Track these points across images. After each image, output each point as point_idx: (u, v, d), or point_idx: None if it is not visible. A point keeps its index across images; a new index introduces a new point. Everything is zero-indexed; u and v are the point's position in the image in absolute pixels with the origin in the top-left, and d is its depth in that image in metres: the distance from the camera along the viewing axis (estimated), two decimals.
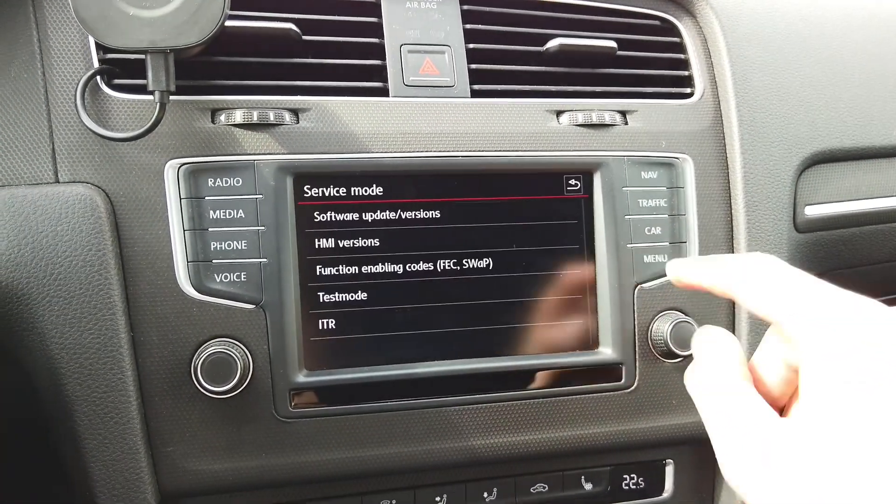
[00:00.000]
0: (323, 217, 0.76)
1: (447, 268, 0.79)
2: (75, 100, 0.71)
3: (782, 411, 0.53)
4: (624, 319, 0.83)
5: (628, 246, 0.83)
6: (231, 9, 0.69)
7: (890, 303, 0.47)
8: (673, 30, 0.95)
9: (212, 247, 0.73)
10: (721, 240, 0.87)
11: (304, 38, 0.79)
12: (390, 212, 0.78)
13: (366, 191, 0.78)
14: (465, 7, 0.86)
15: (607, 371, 0.83)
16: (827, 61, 0.99)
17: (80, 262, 0.69)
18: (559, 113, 0.85)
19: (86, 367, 0.70)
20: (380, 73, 0.82)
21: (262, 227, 0.74)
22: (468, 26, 0.85)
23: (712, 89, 0.92)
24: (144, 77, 0.70)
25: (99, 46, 0.74)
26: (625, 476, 0.89)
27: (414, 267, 0.79)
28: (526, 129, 0.83)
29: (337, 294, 0.76)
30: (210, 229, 0.73)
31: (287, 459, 0.75)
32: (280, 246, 0.74)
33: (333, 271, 0.76)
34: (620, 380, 0.83)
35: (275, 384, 0.74)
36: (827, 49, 1.00)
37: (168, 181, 0.73)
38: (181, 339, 0.72)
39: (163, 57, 0.69)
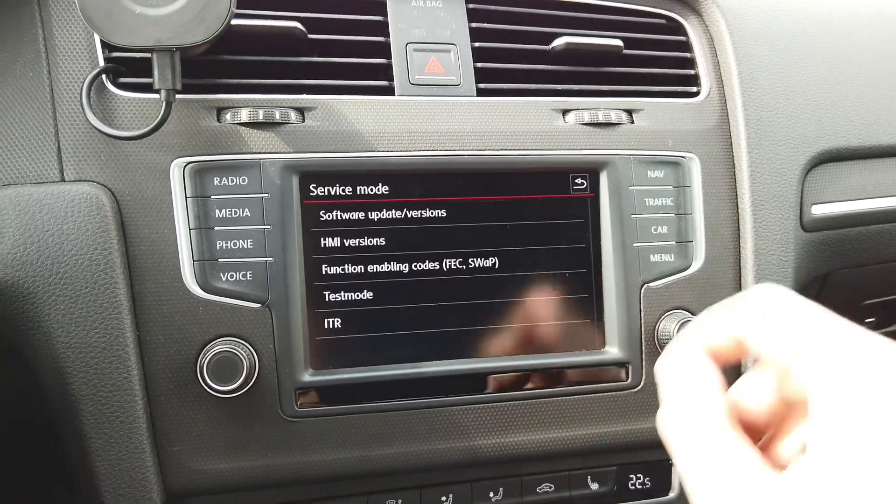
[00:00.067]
0: (329, 216, 0.76)
1: (453, 267, 0.79)
2: (81, 98, 0.71)
3: (765, 445, 0.46)
4: (630, 319, 0.82)
5: (635, 245, 0.83)
6: (237, 7, 0.69)
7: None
8: (679, 28, 0.94)
9: (218, 246, 0.73)
10: (727, 239, 0.87)
11: (310, 36, 0.79)
12: (396, 211, 0.78)
13: (371, 190, 0.78)
14: (471, 6, 0.86)
15: (613, 370, 0.83)
16: (833, 60, 0.99)
17: (85, 260, 0.69)
18: (565, 112, 0.84)
19: (91, 366, 0.70)
20: (385, 72, 0.82)
21: (268, 226, 0.74)
22: (474, 25, 0.85)
23: (718, 88, 0.91)
24: (150, 76, 0.70)
25: (105, 45, 0.74)
26: (631, 476, 0.89)
27: (420, 266, 0.78)
28: (532, 127, 0.82)
29: (343, 293, 0.76)
30: (216, 228, 0.73)
31: (293, 459, 0.75)
32: (286, 245, 0.74)
33: (339, 270, 0.76)
34: (627, 379, 0.83)
35: (280, 383, 0.73)
36: (833, 47, 0.99)
37: (174, 180, 0.72)
38: (187, 338, 0.72)
39: (169, 55, 0.69)
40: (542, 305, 0.81)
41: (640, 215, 0.84)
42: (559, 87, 0.86)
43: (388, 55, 0.82)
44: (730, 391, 0.46)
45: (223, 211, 0.73)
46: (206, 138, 0.74)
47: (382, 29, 0.83)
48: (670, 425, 0.45)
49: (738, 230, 0.88)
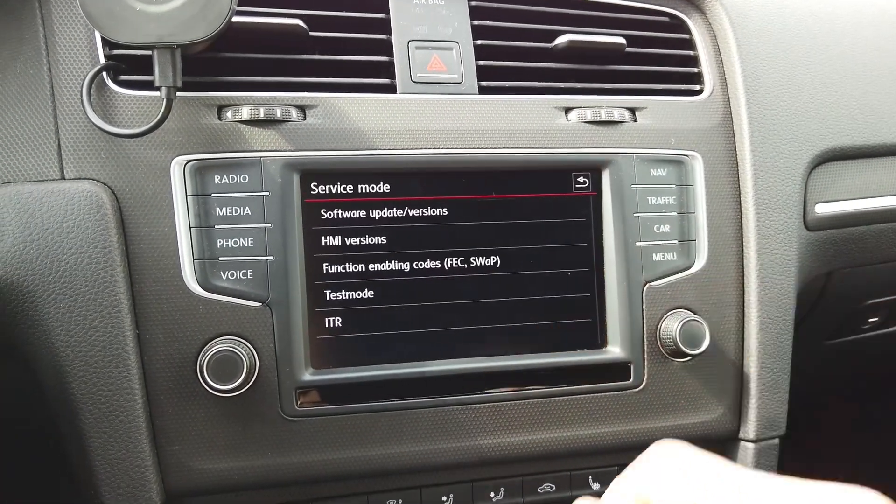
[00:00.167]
0: (330, 214, 0.76)
1: (454, 266, 0.79)
2: (81, 96, 0.71)
3: None
4: (632, 318, 0.82)
5: (637, 244, 0.83)
6: (238, 4, 0.69)
7: None
8: (682, 26, 0.94)
9: (218, 244, 0.72)
10: (730, 238, 0.87)
11: (312, 34, 0.78)
12: (397, 209, 0.78)
13: (373, 188, 0.77)
14: (473, 3, 0.85)
15: (615, 370, 0.82)
16: (837, 58, 0.98)
17: (85, 259, 0.69)
18: (568, 110, 0.84)
19: (91, 364, 0.69)
20: (387, 70, 0.81)
21: (269, 225, 0.73)
22: (476, 22, 0.85)
23: (722, 86, 0.91)
24: (151, 73, 0.69)
25: (105, 42, 0.74)
26: None
27: (421, 265, 0.78)
28: (534, 126, 0.82)
29: (343, 292, 0.76)
30: (216, 226, 0.72)
31: (293, 459, 0.74)
32: (287, 243, 0.73)
33: (340, 269, 0.76)
34: (629, 379, 0.83)
35: (281, 383, 0.73)
36: (837, 45, 0.99)
37: (174, 178, 0.72)
38: (187, 336, 0.72)
39: (169, 53, 0.69)
40: (544, 304, 0.81)
41: (643, 214, 0.83)
42: (562, 85, 0.86)
43: (389, 53, 0.81)
44: None
45: (224, 209, 0.73)
46: (206, 136, 0.73)
47: (384, 26, 0.82)
48: None
49: (741, 229, 0.87)
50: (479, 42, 0.84)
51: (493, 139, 0.80)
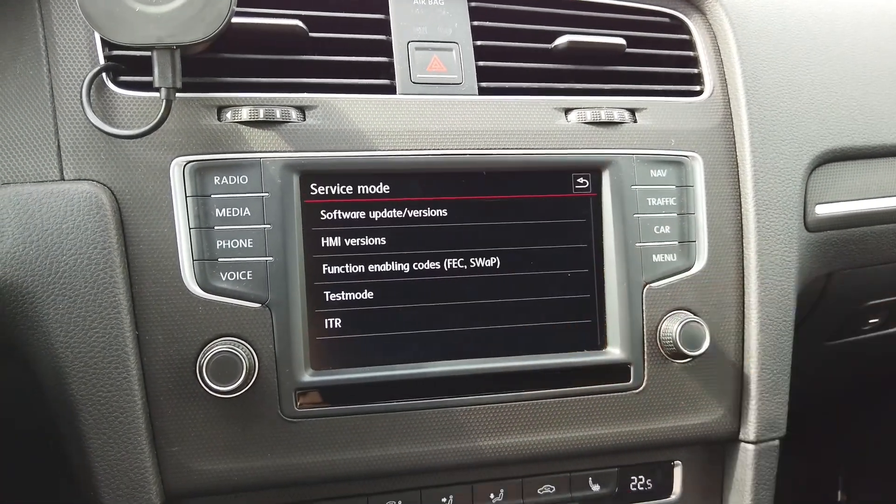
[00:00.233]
0: (329, 215, 0.76)
1: (454, 267, 0.79)
2: (81, 97, 0.71)
3: None
4: (632, 319, 0.82)
5: (637, 245, 0.83)
6: (237, 5, 0.69)
7: None
8: (682, 27, 0.94)
9: (217, 245, 0.72)
10: (730, 239, 0.87)
11: (311, 34, 0.78)
12: (397, 210, 0.78)
13: (372, 189, 0.77)
14: (473, 4, 0.85)
15: (615, 371, 0.82)
16: (837, 59, 0.98)
17: (85, 260, 0.69)
18: (567, 111, 0.84)
19: (91, 365, 0.69)
20: (387, 71, 0.81)
21: (269, 226, 0.73)
22: (476, 23, 0.85)
23: (722, 87, 0.91)
24: (150, 74, 0.69)
25: (105, 43, 0.74)
26: (633, 477, 0.89)
27: (421, 266, 0.78)
28: (534, 126, 0.82)
29: (343, 293, 0.76)
30: (216, 227, 0.72)
31: (292, 460, 0.74)
32: (286, 244, 0.73)
33: (340, 270, 0.76)
34: (629, 380, 0.82)
35: (280, 384, 0.73)
36: (838, 46, 0.99)
37: (174, 179, 0.72)
38: (186, 338, 0.71)
39: (169, 54, 0.68)
40: (544, 305, 0.81)
41: (643, 215, 0.83)
42: (561, 85, 0.85)
43: (389, 53, 0.81)
44: None
45: (223, 210, 0.73)
46: (206, 137, 0.73)
47: (384, 27, 0.82)
48: None
49: (741, 230, 0.87)
50: (478, 43, 0.84)
51: (492, 140, 0.80)
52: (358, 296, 0.76)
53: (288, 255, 0.73)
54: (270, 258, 0.73)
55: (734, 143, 0.89)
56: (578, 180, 0.83)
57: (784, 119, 0.90)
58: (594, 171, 0.83)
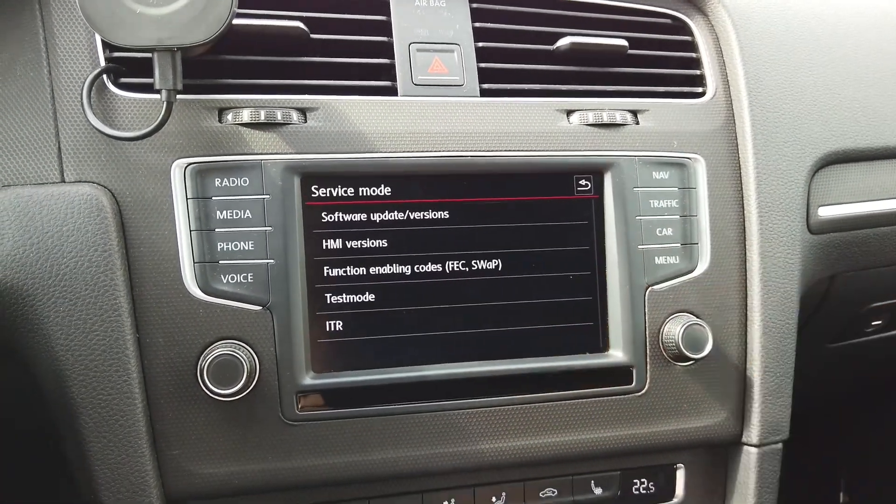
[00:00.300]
0: (330, 217, 0.76)
1: (456, 269, 0.78)
2: (81, 99, 0.71)
3: None
4: (635, 322, 0.81)
5: (639, 247, 0.82)
6: (238, 6, 0.69)
7: None
8: (684, 28, 0.93)
9: (218, 247, 0.72)
10: (733, 241, 0.86)
11: (312, 36, 0.78)
12: (398, 212, 0.77)
13: (374, 191, 0.77)
14: (475, 5, 0.85)
15: (618, 374, 0.82)
16: (840, 60, 0.98)
17: (85, 262, 0.69)
18: (569, 112, 0.84)
19: (91, 368, 0.69)
20: (388, 72, 0.81)
21: (270, 228, 0.73)
22: (477, 24, 0.84)
23: (724, 88, 0.90)
24: (151, 75, 0.69)
25: (105, 44, 0.74)
26: (635, 481, 0.88)
27: (422, 268, 0.78)
28: (536, 128, 0.82)
29: (344, 295, 0.76)
30: (217, 230, 0.72)
31: (293, 463, 0.74)
32: (287, 247, 0.73)
33: (341, 272, 0.76)
34: (631, 383, 0.82)
35: (281, 386, 0.73)
36: (840, 48, 0.98)
37: (175, 181, 0.72)
38: (187, 340, 0.71)
39: (170, 55, 0.68)
40: (546, 308, 0.80)
41: (645, 217, 0.83)
42: (563, 87, 0.85)
43: (390, 55, 0.81)
44: None
45: (224, 212, 0.73)
46: (207, 139, 0.73)
47: (385, 29, 0.82)
48: None
49: (744, 232, 0.87)
50: (480, 44, 0.84)
51: (494, 142, 0.80)
52: (359, 298, 0.76)
53: (289, 258, 0.73)
54: (271, 260, 0.73)
55: (736, 145, 0.88)
56: (580, 182, 0.82)
57: (787, 121, 0.90)
58: (596, 172, 0.82)
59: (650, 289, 0.83)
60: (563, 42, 0.85)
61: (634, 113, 0.85)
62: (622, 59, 0.88)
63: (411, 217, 0.78)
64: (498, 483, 0.84)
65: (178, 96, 0.71)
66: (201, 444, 0.72)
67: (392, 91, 0.80)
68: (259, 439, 0.73)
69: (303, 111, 0.76)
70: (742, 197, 0.87)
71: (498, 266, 0.80)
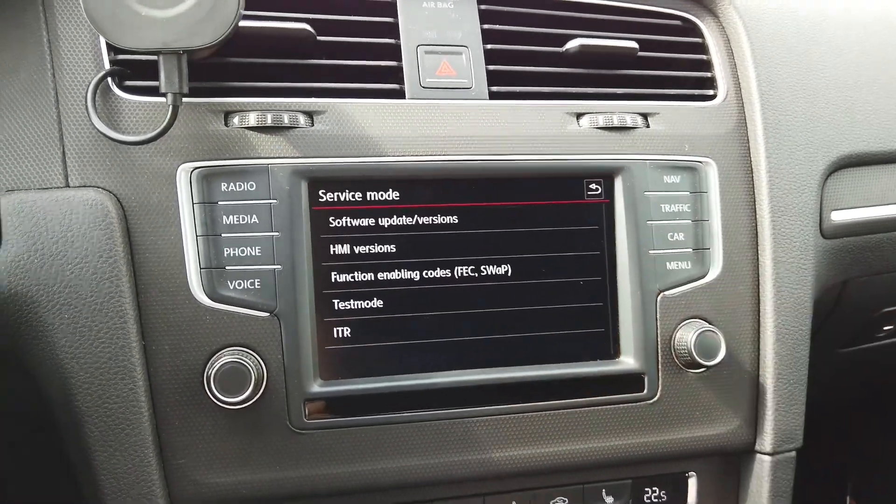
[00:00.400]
0: (338, 222, 0.75)
1: (465, 274, 0.77)
2: (86, 102, 0.70)
3: None
4: (646, 328, 0.80)
5: (651, 252, 0.81)
6: (245, 9, 0.68)
7: None
8: (695, 30, 0.92)
9: (225, 253, 0.71)
10: (745, 246, 0.85)
11: (319, 38, 0.77)
12: (407, 217, 0.76)
13: (382, 195, 0.76)
14: (483, 7, 0.84)
15: (629, 381, 0.81)
16: (852, 63, 0.97)
17: (90, 269, 0.68)
18: (579, 115, 0.83)
19: (96, 376, 0.68)
20: (396, 75, 0.80)
21: (277, 233, 0.72)
22: (486, 26, 0.83)
23: (736, 91, 0.89)
24: (156, 78, 0.68)
25: (110, 47, 0.73)
26: (647, 489, 0.87)
27: (431, 274, 0.77)
28: (545, 131, 0.81)
29: (352, 301, 0.75)
30: (223, 235, 0.71)
31: (301, 472, 0.73)
32: (294, 252, 0.72)
33: (349, 278, 0.75)
34: (643, 390, 0.81)
35: (289, 394, 0.72)
36: (853, 50, 0.97)
37: (180, 185, 0.71)
38: (194, 347, 0.70)
39: (176, 58, 0.67)
40: (556, 314, 0.79)
41: (656, 222, 0.82)
42: (573, 90, 0.84)
43: (398, 57, 0.80)
44: None
45: (231, 217, 0.72)
46: (213, 143, 0.72)
47: (393, 31, 0.81)
48: None
49: (756, 237, 0.86)
50: (489, 46, 0.83)
51: (503, 145, 0.79)
52: (367, 304, 0.75)
53: (296, 263, 0.72)
54: (279, 266, 0.72)
55: (748, 149, 0.87)
56: (591, 186, 0.81)
57: (799, 124, 0.89)
58: (607, 177, 0.81)
59: (662, 294, 0.81)
60: (573, 44, 0.84)
61: (645, 116, 0.84)
62: (632, 62, 0.87)
63: (420, 222, 0.77)
64: (508, 492, 0.83)
65: (184, 100, 0.70)
66: (208, 453, 0.71)
67: (400, 94, 0.79)
68: (266, 448, 0.72)
69: (310, 114, 0.75)
70: (754, 201, 0.86)
71: (507, 271, 0.79)
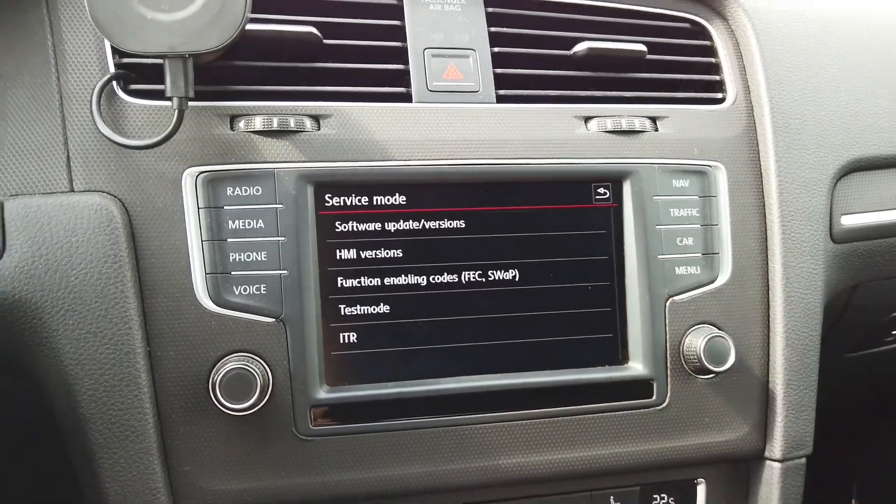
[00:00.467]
0: (344, 227, 0.74)
1: (472, 280, 0.77)
2: (91, 106, 0.69)
3: None
4: (655, 333, 0.80)
5: (659, 257, 0.81)
6: (251, 12, 0.67)
7: None
8: (703, 33, 0.92)
9: (231, 258, 0.71)
10: (755, 251, 0.84)
11: (326, 41, 0.77)
12: (413, 222, 0.76)
13: (388, 200, 0.75)
14: (491, 10, 0.84)
15: (637, 387, 0.80)
16: (862, 66, 0.96)
17: (95, 274, 0.67)
18: (587, 119, 0.82)
19: (101, 382, 0.68)
20: (403, 78, 0.80)
21: (283, 238, 0.71)
22: (493, 29, 0.83)
23: (745, 94, 0.89)
24: (162, 82, 0.68)
25: (115, 51, 0.72)
26: (655, 496, 0.86)
27: (438, 279, 0.76)
28: (553, 135, 0.80)
29: (359, 307, 0.74)
30: (229, 240, 0.71)
31: (307, 479, 0.72)
32: (300, 257, 0.72)
33: (355, 283, 0.74)
34: (651, 396, 0.80)
35: (295, 400, 0.71)
36: (862, 53, 0.97)
37: (186, 190, 0.70)
38: (199, 354, 0.70)
39: (181, 62, 0.67)
40: (564, 319, 0.79)
41: (665, 226, 0.81)
42: (581, 93, 0.84)
43: (405, 61, 0.80)
44: None
45: (236, 222, 0.71)
46: (218, 147, 0.72)
47: (399, 34, 0.81)
48: None
49: (766, 242, 0.85)
50: (496, 49, 0.82)
51: (511, 149, 0.78)
52: (374, 310, 0.74)
53: (302, 269, 0.72)
54: (284, 271, 0.71)
55: (758, 152, 0.87)
56: (599, 190, 0.81)
57: (809, 127, 0.88)
58: (615, 181, 0.81)
59: (671, 300, 0.81)
60: (581, 47, 0.84)
61: (653, 119, 0.84)
62: (640, 65, 0.87)
63: (426, 226, 0.76)
64: (515, 499, 0.82)
65: (190, 103, 0.69)
66: (213, 460, 0.71)
67: (407, 97, 0.79)
68: (272, 455, 0.72)
69: (316, 118, 0.74)
70: (763, 205, 0.85)
71: (515, 276, 0.78)
